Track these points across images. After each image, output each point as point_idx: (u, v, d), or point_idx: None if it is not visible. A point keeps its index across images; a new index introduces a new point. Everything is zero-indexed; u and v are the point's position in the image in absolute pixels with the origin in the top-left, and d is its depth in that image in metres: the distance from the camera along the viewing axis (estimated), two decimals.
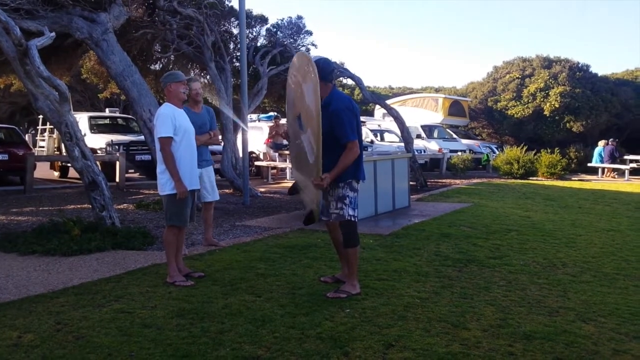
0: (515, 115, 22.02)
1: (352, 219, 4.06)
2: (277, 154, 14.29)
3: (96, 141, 12.75)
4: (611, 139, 18.70)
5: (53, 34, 6.63)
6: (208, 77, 12.05)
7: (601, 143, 18.58)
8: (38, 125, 16.77)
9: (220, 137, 5.20)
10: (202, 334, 3.26)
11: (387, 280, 4.48)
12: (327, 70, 4.02)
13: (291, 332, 3.32)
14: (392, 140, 18.06)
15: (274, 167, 14.52)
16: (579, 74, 21.89)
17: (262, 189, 11.65)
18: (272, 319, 3.53)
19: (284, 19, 15.29)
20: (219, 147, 11.34)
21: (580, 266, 5.14)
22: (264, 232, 6.63)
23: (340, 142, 3.92)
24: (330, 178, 3.86)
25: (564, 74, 21.56)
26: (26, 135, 19.99)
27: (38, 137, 16.39)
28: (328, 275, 4.54)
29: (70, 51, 11.15)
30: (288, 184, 12.25)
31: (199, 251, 5.52)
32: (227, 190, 10.96)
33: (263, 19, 15.06)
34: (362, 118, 7.57)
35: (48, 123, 14.27)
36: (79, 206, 8.60)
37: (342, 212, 4.03)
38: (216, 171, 11.38)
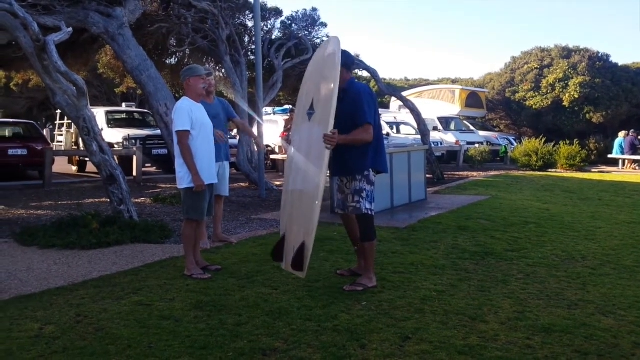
0: (533, 106, 21.70)
1: (369, 212, 4.05)
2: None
3: (113, 136, 12.87)
4: (632, 130, 18.35)
5: (70, 29, 6.70)
6: (223, 70, 12.07)
7: (621, 134, 18.26)
8: (56, 120, 16.94)
9: (223, 136, 5.23)
10: (220, 326, 3.28)
11: (403, 273, 4.47)
12: (350, 59, 4.12)
13: (308, 324, 3.33)
14: (409, 133, 17.94)
15: None
16: (598, 64, 21.50)
17: (278, 182, 11.65)
18: (289, 311, 3.54)
19: (298, 11, 15.29)
20: (235, 141, 11.38)
21: (599, 259, 5.07)
22: (280, 225, 6.63)
23: (358, 122, 3.92)
24: (340, 140, 3.75)
25: (583, 64, 21.19)
26: (44, 130, 20.23)
27: (56, 132, 16.57)
28: (345, 268, 4.54)
29: (87, 46, 11.26)
30: None
31: (215, 245, 5.55)
32: (242, 184, 11.01)
33: (278, 12, 15.02)
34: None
35: (66, 118, 14.45)
36: (97, 200, 8.70)
37: (359, 205, 4.02)
38: (232, 165, 11.50)
